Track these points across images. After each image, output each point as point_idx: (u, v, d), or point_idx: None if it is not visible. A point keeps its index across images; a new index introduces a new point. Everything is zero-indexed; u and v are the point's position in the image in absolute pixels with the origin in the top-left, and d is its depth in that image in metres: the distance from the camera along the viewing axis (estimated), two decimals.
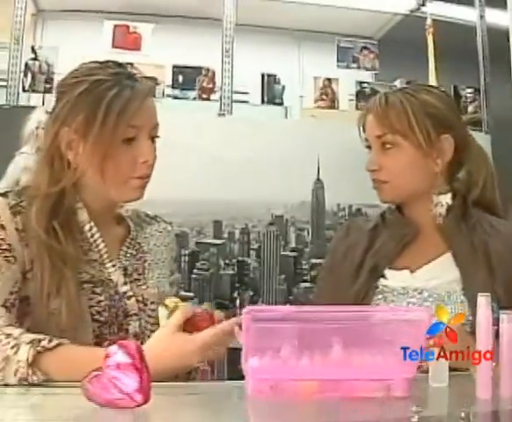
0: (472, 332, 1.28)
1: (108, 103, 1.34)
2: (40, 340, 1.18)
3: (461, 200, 1.57)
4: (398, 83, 3.77)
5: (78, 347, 1.23)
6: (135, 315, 1.41)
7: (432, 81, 3.71)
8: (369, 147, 1.59)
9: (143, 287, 1.45)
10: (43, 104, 2.99)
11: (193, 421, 1.03)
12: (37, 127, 3.33)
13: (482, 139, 3.41)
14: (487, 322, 1.05)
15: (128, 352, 0.94)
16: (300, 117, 3.27)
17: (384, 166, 1.53)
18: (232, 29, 3.11)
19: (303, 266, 3.17)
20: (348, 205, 3.20)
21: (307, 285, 3.11)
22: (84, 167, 1.37)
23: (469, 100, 3.40)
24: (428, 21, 3.76)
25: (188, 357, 1.22)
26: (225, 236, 3.11)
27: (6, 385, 1.15)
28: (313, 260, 3.15)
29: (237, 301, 3.09)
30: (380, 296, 1.50)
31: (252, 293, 3.09)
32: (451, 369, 1.12)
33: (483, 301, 1.06)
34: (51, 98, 2.95)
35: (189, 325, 1.22)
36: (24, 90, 2.97)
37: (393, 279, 1.52)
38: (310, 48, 3.87)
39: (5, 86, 3.02)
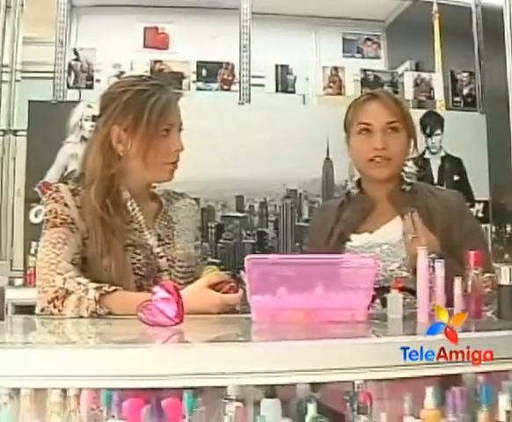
0: None
1: (151, 106, 1.73)
2: (102, 286, 1.57)
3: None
4: (407, 66, 4.07)
5: (129, 292, 1.63)
6: (166, 270, 1.78)
7: (438, 63, 4.02)
8: (365, 129, 1.99)
9: (172, 249, 1.82)
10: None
11: (215, 331, 1.42)
12: (81, 119, 3.79)
13: (477, 119, 3.76)
14: (425, 268, 1.42)
15: (168, 289, 1.33)
16: (310, 104, 3.59)
17: (390, 146, 1.96)
18: (249, 26, 3.44)
19: None
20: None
21: None
22: (133, 156, 1.74)
23: (464, 83, 3.69)
24: (435, 6, 4.06)
25: (209, 307, 1.61)
26: (246, 209, 3.45)
27: (81, 317, 1.55)
28: None
29: None
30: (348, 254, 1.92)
31: None
32: None
33: (422, 253, 1.42)
34: (89, 93, 3.35)
35: (218, 287, 1.64)
36: (68, 87, 3.36)
37: (357, 240, 1.96)
38: (322, 36, 4.00)
39: (52, 78, 3.41)
